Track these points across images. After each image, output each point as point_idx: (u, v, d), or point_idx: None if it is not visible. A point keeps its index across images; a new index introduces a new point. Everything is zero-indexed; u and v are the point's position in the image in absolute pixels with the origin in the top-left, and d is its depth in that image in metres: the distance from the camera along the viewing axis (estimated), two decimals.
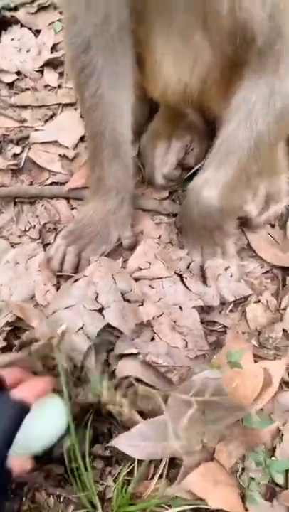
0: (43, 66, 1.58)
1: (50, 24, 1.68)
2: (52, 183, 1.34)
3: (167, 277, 1.05)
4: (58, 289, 1.11)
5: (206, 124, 1.30)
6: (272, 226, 1.25)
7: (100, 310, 0.93)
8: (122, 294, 0.98)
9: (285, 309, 1.13)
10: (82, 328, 0.88)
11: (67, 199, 1.31)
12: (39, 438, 0.77)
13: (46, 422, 0.79)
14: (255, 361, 1.01)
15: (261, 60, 0.87)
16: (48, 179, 1.35)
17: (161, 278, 1.05)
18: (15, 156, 1.40)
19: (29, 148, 1.41)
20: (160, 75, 1.02)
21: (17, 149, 1.41)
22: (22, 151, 1.41)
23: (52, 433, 0.79)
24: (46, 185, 1.34)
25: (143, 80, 1.10)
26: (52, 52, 1.61)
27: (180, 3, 0.82)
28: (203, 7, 0.81)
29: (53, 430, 0.79)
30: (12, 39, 1.66)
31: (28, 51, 1.62)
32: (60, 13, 1.66)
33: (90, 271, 1.00)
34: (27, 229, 1.28)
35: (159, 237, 1.19)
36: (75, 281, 1.01)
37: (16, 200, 1.30)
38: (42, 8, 1.71)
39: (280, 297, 1.15)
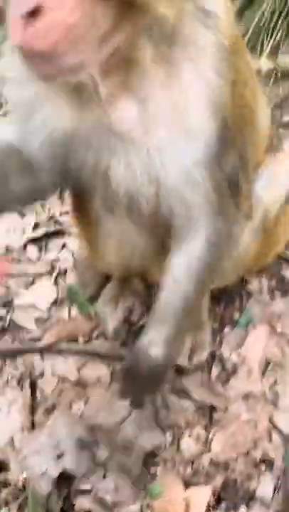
0: (26, 243, 2.03)
1: (32, 209, 2.18)
2: (29, 340, 1.70)
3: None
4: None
5: (147, 289, 1.71)
6: (202, 370, 1.59)
7: (60, 456, 1.23)
8: (79, 440, 1.28)
9: (212, 441, 1.42)
10: (45, 472, 1.17)
11: (41, 353, 1.66)
12: None
13: None
14: (187, 487, 1.29)
15: (179, 235, 1.14)
16: (26, 337, 1.71)
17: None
18: (1, 318, 1.77)
19: (13, 311, 1.79)
20: (104, 252, 1.44)
21: (2, 311, 1.80)
22: (7, 313, 1.79)
23: None
24: (25, 341, 1.69)
25: (91, 252, 1.51)
26: (33, 231, 2.08)
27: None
28: (131, 207, 1.10)
29: None
30: (2, 222, 2.14)
31: (15, 231, 2.09)
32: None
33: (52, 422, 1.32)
34: (9, 379, 1.61)
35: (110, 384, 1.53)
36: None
37: (0, 355, 1.65)
38: None
39: (208, 430, 1.45)
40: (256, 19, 2.32)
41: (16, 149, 1.06)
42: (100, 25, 0.72)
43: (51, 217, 2.14)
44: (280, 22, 2.30)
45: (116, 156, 0.98)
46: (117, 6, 0.71)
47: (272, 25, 2.32)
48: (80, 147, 1.00)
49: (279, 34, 2.31)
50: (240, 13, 2.37)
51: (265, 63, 2.32)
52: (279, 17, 2.31)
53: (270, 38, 2.32)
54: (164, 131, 0.92)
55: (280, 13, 2.30)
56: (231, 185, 1.06)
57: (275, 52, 2.34)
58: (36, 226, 2.11)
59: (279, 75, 2.31)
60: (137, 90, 0.88)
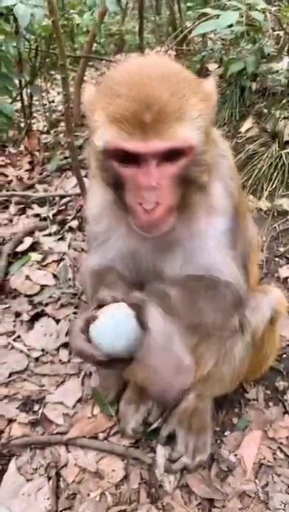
0: (59, 346, 2.40)
1: (67, 316, 2.58)
2: (57, 433, 1.99)
3: None
4: None
5: None
6: (204, 467, 1.84)
7: None
8: None
9: None
10: None
11: (67, 445, 1.94)
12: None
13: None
14: None
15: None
16: (54, 430, 2.01)
17: None
18: (34, 412, 2.09)
19: (44, 406, 2.11)
20: None
21: (36, 407, 2.11)
22: (39, 408, 2.11)
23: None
24: (53, 434, 1.99)
25: None
26: (66, 336, 2.46)
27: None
28: None
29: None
30: (41, 326, 2.54)
31: (50, 335, 2.48)
32: (76, 307, 2.58)
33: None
34: (38, 467, 1.88)
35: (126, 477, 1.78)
36: None
37: (32, 446, 1.94)
38: (62, 305, 2.64)
39: None
40: (257, 170, 2.87)
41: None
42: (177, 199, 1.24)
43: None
44: (276, 172, 2.83)
45: (168, 258, 1.45)
46: (183, 192, 1.25)
47: (269, 174, 2.85)
48: (142, 258, 1.49)
49: (275, 181, 2.83)
50: (244, 164, 2.94)
51: (264, 204, 2.82)
52: (275, 168, 2.85)
53: (268, 184, 2.84)
54: (205, 229, 1.42)
55: (276, 165, 2.85)
56: (242, 264, 1.52)
57: (272, 195, 2.85)
58: (68, 331, 2.49)
59: (275, 213, 2.79)
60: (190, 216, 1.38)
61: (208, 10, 2.62)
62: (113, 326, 1.19)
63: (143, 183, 1.17)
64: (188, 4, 6.78)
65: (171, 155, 1.17)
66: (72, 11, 5.05)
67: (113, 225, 1.47)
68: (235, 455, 1.86)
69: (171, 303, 1.27)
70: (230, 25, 2.82)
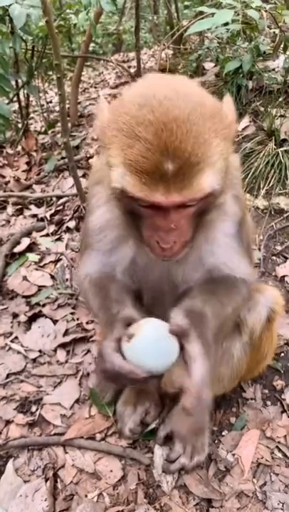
0: (56, 347, 2.40)
1: (64, 316, 2.57)
2: (54, 434, 1.99)
3: None
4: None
5: (160, 395, 2.00)
6: (201, 467, 1.83)
7: None
8: None
9: None
10: None
11: (64, 446, 1.93)
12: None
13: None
14: None
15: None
16: (52, 431, 2.00)
17: None
18: (31, 413, 2.08)
19: (41, 407, 2.10)
20: None
21: (34, 408, 2.11)
22: (37, 409, 2.10)
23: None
24: (50, 435, 1.98)
25: None
26: (64, 337, 2.45)
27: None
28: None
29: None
30: (38, 327, 2.53)
31: (48, 336, 2.47)
32: (73, 308, 2.57)
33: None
34: (35, 469, 1.87)
35: (123, 478, 1.78)
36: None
37: (29, 447, 1.94)
38: (60, 306, 2.64)
39: None
40: (253, 168, 2.87)
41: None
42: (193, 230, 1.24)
43: (79, 325, 2.53)
44: (272, 171, 2.83)
45: (181, 264, 1.43)
46: (200, 221, 1.23)
47: (266, 172, 2.85)
48: (154, 267, 1.46)
49: (272, 180, 2.82)
50: (241, 163, 2.93)
51: (261, 202, 2.82)
52: (272, 167, 2.85)
53: (265, 182, 2.83)
54: (217, 235, 1.42)
55: (273, 163, 2.85)
56: (248, 254, 1.54)
57: (269, 193, 2.84)
58: (66, 332, 2.49)
59: (272, 212, 2.79)
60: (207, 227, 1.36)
61: (203, 8, 2.62)
62: (155, 343, 1.16)
63: (161, 226, 1.16)
64: (186, 3, 6.77)
65: (192, 202, 1.14)
66: (69, 10, 5.04)
67: (121, 236, 1.44)
68: (233, 455, 1.85)
69: (207, 325, 1.27)
70: (226, 24, 2.82)
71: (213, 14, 2.37)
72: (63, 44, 5.86)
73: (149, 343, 1.16)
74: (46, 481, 1.82)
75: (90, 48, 5.86)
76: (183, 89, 1.14)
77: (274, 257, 2.63)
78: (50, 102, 5.63)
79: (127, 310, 1.30)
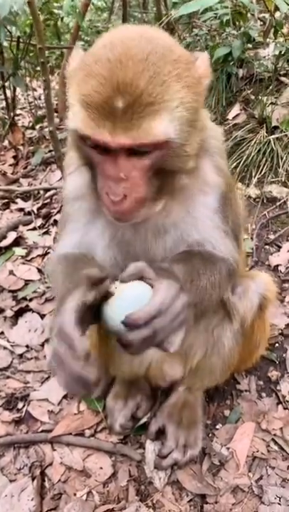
0: (44, 342, 2.32)
1: (52, 311, 2.49)
2: (41, 431, 1.90)
3: None
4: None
5: (151, 389, 1.93)
6: (195, 462, 1.76)
7: None
8: None
9: None
10: None
11: (52, 444, 1.85)
12: None
13: None
14: None
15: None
16: (39, 428, 1.92)
17: None
18: (18, 410, 2.00)
19: (28, 404, 2.02)
20: (118, 363, 1.69)
21: (20, 404, 2.02)
22: (23, 406, 2.02)
23: None
24: (37, 432, 1.90)
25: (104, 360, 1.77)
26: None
27: None
28: None
29: None
30: (25, 321, 2.45)
31: (35, 330, 2.39)
32: None
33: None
34: (21, 467, 1.79)
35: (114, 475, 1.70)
36: None
37: (15, 445, 1.85)
38: (47, 300, 2.55)
39: None
40: (245, 156, 2.80)
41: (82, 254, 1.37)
42: (153, 190, 1.15)
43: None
44: (264, 159, 2.76)
45: (161, 239, 1.34)
46: (161, 181, 1.14)
47: (258, 161, 2.78)
48: (134, 244, 1.35)
49: (264, 168, 2.76)
50: (232, 151, 2.87)
51: (253, 191, 2.75)
52: (263, 154, 2.78)
53: (257, 171, 2.77)
54: (198, 208, 1.32)
55: (264, 151, 2.78)
56: (234, 236, 1.42)
57: (261, 182, 2.78)
58: None
59: (265, 200, 2.72)
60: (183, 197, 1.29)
61: None
62: (137, 299, 1.06)
63: (110, 173, 1.08)
64: (174, 0, 6.72)
65: (143, 148, 1.06)
66: (55, 4, 4.96)
67: (96, 206, 1.32)
68: (228, 448, 1.78)
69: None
70: (216, 9, 2.76)
71: None
72: (52, 42, 5.77)
73: (130, 300, 1.06)
74: (33, 479, 1.74)
75: (79, 46, 5.76)
76: (150, 34, 1.11)
77: (267, 246, 2.56)
78: (39, 98, 5.55)
79: (93, 270, 1.17)
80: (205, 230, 1.34)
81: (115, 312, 1.06)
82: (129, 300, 1.06)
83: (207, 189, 1.34)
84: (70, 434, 1.87)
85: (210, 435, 1.84)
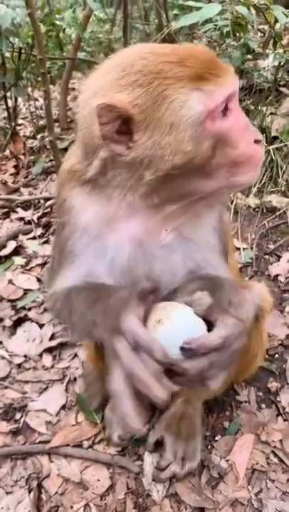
0: (42, 352, 2.30)
1: (50, 320, 2.48)
2: (39, 442, 1.89)
3: None
4: None
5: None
6: (194, 475, 1.74)
7: None
8: None
9: None
10: None
11: (49, 455, 1.83)
12: None
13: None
14: None
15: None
16: (36, 439, 1.90)
17: None
18: (16, 421, 1.98)
19: (26, 415, 2.00)
20: None
21: (18, 415, 2.01)
22: (21, 417, 2.00)
23: None
24: (35, 443, 1.88)
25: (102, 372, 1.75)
26: (50, 341, 2.36)
27: None
28: None
29: None
30: (24, 331, 2.44)
31: (33, 340, 2.38)
32: None
33: None
34: (18, 479, 1.77)
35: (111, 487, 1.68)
36: None
37: (13, 456, 1.83)
38: (46, 309, 2.54)
39: None
40: None
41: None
42: None
43: (66, 328, 2.43)
44: (264, 169, 2.77)
45: (167, 259, 1.32)
46: None
47: None
48: (139, 265, 1.31)
49: (264, 178, 2.76)
50: None
51: (252, 201, 2.75)
52: (263, 164, 2.79)
53: (257, 180, 2.77)
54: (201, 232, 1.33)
55: (264, 161, 2.79)
56: (225, 254, 1.44)
57: (261, 191, 2.78)
58: (52, 336, 2.40)
59: (264, 210, 2.72)
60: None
61: (190, 3, 2.57)
62: (186, 328, 1.03)
63: (244, 121, 1.14)
64: (175, 12, 6.78)
65: None
66: (58, 15, 5.02)
67: (106, 234, 1.28)
68: (227, 461, 1.76)
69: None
70: (215, 21, 2.78)
71: (199, 8, 2.32)
72: (54, 53, 5.82)
73: (182, 328, 1.02)
74: (30, 492, 1.72)
75: (81, 57, 5.82)
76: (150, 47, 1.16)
77: (267, 256, 2.56)
78: (41, 108, 5.57)
79: (139, 289, 1.13)
80: (205, 251, 1.34)
81: (170, 336, 1.01)
82: (184, 327, 1.02)
83: (210, 207, 1.33)
84: (68, 445, 1.85)
85: (209, 447, 1.82)
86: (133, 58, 1.07)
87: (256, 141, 1.15)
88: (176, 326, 1.02)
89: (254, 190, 2.77)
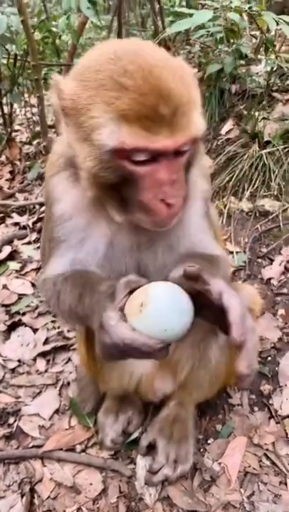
0: (36, 356, 2.31)
1: (44, 325, 2.49)
2: (32, 447, 1.89)
3: None
4: None
5: (143, 403, 1.91)
6: (186, 478, 1.74)
7: None
8: None
9: None
10: None
11: (42, 459, 1.83)
12: None
13: None
14: None
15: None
16: (29, 443, 1.90)
17: None
18: (9, 425, 1.98)
19: (19, 419, 2.00)
20: (109, 379, 1.69)
21: (11, 419, 2.01)
22: (15, 421, 2.00)
23: None
24: (28, 448, 1.88)
25: (95, 377, 1.76)
26: (44, 345, 2.36)
27: None
28: None
29: None
30: (18, 336, 2.44)
31: (27, 345, 2.38)
32: (54, 316, 2.48)
33: None
34: (11, 483, 1.77)
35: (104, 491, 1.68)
36: None
37: (5, 461, 1.83)
38: (40, 314, 2.55)
39: None
40: (238, 170, 2.83)
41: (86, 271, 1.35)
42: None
43: (60, 333, 2.44)
44: (256, 173, 2.79)
45: (152, 251, 1.36)
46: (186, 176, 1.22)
47: (250, 175, 2.81)
48: (125, 256, 1.36)
49: (256, 182, 2.78)
50: (225, 166, 2.90)
51: (245, 205, 2.77)
52: (256, 169, 2.81)
53: (249, 185, 2.79)
54: (189, 214, 1.35)
55: (257, 166, 2.81)
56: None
57: (253, 196, 2.80)
58: (46, 340, 2.40)
59: (257, 214, 2.74)
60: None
61: (183, 9, 2.61)
62: (171, 306, 1.02)
63: (165, 178, 1.11)
64: (170, 19, 6.83)
65: (186, 146, 1.12)
66: (54, 22, 5.04)
67: (92, 223, 1.33)
68: (219, 464, 1.76)
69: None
70: (208, 27, 2.81)
71: (192, 15, 2.35)
72: (51, 59, 5.85)
73: (165, 308, 1.02)
74: (22, 496, 1.72)
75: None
76: (144, 45, 1.16)
77: (259, 260, 2.57)
78: (37, 114, 5.59)
79: (123, 278, 1.14)
80: (195, 235, 1.38)
81: (149, 322, 1.02)
82: (167, 306, 1.03)
83: (198, 195, 1.38)
84: (61, 449, 1.85)
85: (201, 450, 1.82)
86: (106, 56, 1.10)
87: (166, 203, 1.13)
88: (159, 306, 1.02)
89: (247, 194, 2.79)
